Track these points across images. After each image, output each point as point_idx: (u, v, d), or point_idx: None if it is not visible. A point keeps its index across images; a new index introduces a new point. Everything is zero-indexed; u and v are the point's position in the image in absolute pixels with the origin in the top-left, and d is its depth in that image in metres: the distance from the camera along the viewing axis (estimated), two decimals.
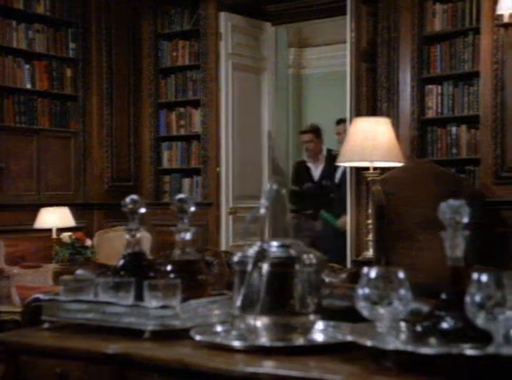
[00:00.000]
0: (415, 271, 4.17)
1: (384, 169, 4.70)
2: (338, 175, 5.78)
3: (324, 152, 6.15)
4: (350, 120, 5.05)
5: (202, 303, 1.54)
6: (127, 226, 1.72)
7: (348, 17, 5.12)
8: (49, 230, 5.23)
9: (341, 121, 5.84)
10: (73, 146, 5.88)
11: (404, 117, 5.10)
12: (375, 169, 4.72)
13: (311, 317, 1.44)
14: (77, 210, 5.64)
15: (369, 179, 4.60)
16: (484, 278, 1.21)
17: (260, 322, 1.38)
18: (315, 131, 6.08)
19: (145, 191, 6.19)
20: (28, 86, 5.56)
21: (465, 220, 1.37)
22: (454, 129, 4.99)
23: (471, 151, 4.87)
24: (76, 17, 5.85)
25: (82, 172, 5.91)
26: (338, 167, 5.55)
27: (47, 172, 5.66)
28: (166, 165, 6.28)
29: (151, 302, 1.46)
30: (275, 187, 1.48)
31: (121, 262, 1.63)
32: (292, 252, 1.43)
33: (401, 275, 1.35)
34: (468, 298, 1.23)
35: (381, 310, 1.31)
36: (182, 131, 6.20)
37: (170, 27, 6.20)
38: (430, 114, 5.08)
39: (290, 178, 6.49)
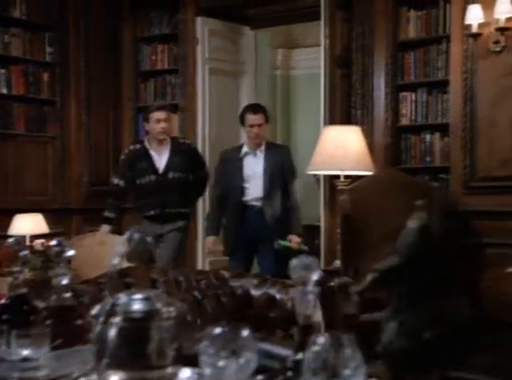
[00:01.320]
0: None
1: (355, 177, 4.67)
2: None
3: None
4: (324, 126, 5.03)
5: (70, 352, 1.52)
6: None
7: (322, 22, 5.08)
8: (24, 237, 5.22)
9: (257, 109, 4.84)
10: (50, 151, 5.86)
11: (379, 124, 5.06)
12: (346, 177, 4.70)
13: (170, 369, 1.41)
14: (54, 215, 5.63)
15: (339, 188, 4.58)
16: (321, 341, 1.18)
17: (115, 377, 1.36)
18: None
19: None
20: (4, 91, 5.54)
21: (315, 277, 1.33)
22: (428, 137, 4.95)
23: (445, 159, 4.83)
24: (53, 21, 5.82)
25: (59, 177, 5.89)
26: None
27: (24, 177, 5.65)
28: None
29: (18, 352, 1.45)
30: (136, 235, 1.44)
31: (2, 306, 1.61)
32: (151, 305, 1.40)
33: (245, 333, 1.27)
34: (304, 363, 1.19)
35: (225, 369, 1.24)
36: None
37: (150, 30, 6.16)
38: (404, 121, 5.04)
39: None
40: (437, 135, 4.88)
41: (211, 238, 4.93)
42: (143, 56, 6.22)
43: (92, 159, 6.05)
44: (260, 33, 6.23)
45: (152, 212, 4.82)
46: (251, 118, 4.74)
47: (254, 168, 4.74)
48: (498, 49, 4.28)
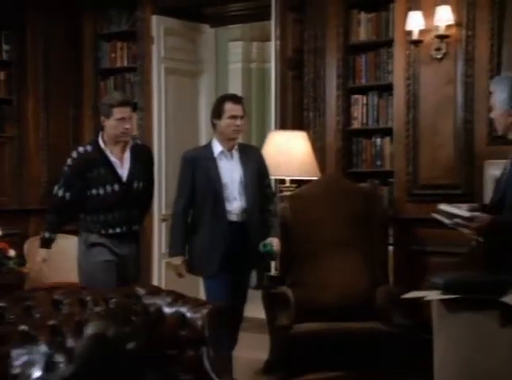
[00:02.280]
0: (324, 292, 4.16)
1: (301, 182, 4.64)
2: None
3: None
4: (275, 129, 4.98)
5: None
6: None
7: (272, 23, 5.02)
8: None
9: None
10: (8, 151, 5.82)
11: (331, 127, 5.01)
12: (293, 182, 4.66)
13: None
14: (12, 216, 5.62)
15: (282, 194, 4.54)
16: None
17: None
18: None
19: None
20: None
21: None
22: (379, 140, 4.90)
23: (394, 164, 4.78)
24: (10, 19, 5.75)
25: (17, 177, 5.86)
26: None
27: None
28: None
29: None
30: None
31: None
32: None
33: None
34: None
35: None
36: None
37: (109, 27, 6.11)
38: (356, 124, 4.98)
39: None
40: (387, 139, 4.83)
41: (180, 258, 3.88)
42: (103, 54, 6.17)
43: (51, 159, 6.00)
44: (220, 31, 6.15)
45: (118, 230, 3.89)
46: (233, 108, 3.84)
47: (232, 173, 3.85)
48: (439, 56, 4.21)
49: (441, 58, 4.21)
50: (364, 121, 4.95)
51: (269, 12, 5.17)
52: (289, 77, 5.07)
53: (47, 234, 4.01)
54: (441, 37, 4.14)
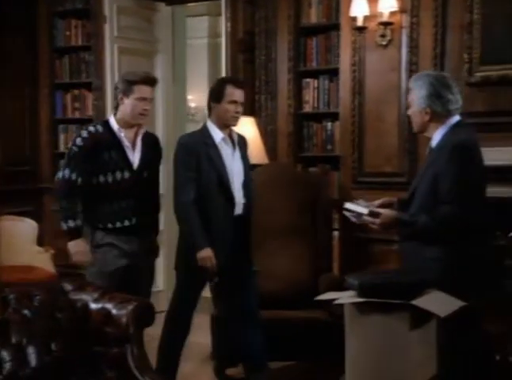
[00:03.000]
0: (268, 279, 4.16)
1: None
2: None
3: None
4: None
5: None
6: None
7: (222, 4, 4.93)
8: None
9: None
10: None
11: (282, 111, 4.97)
12: None
13: None
14: None
15: None
16: None
17: None
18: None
19: (42, 175, 6.11)
20: None
21: None
22: (329, 125, 4.87)
23: None
24: None
25: None
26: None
27: None
28: (62, 148, 6.17)
29: None
30: None
31: None
32: None
33: None
34: None
35: None
36: (77, 114, 6.07)
37: (64, 5, 5.99)
38: (307, 108, 4.95)
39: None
40: (337, 124, 4.80)
41: (208, 250, 3.49)
42: (58, 32, 6.07)
43: (6, 137, 5.93)
44: (177, 8, 6.04)
45: (126, 223, 3.51)
46: (235, 93, 3.56)
47: (233, 162, 3.60)
48: (384, 43, 4.17)
49: (386, 45, 4.17)
50: (316, 105, 4.92)
51: None
52: (240, 59, 5.00)
53: (71, 223, 3.45)
54: (386, 24, 4.09)
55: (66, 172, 3.46)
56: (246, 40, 5.00)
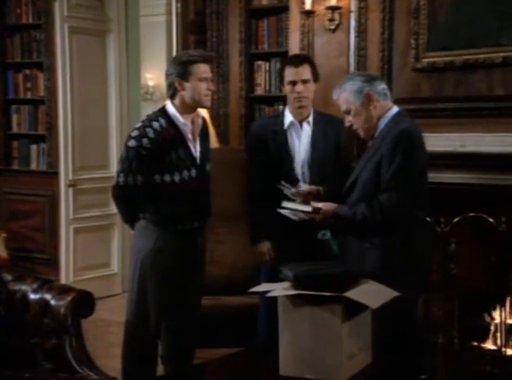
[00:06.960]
0: (213, 265, 4.16)
1: None
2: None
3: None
4: None
5: None
6: None
7: None
8: None
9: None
10: None
11: (234, 94, 4.93)
12: None
13: None
14: None
15: None
16: None
17: None
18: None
19: None
20: None
21: None
22: (281, 108, 4.83)
23: None
24: None
25: None
26: None
27: None
28: (15, 129, 6.08)
29: None
30: None
31: None
32: None
33: None
34: None
35: None
36: (29, 95, 5.97)
37: None
38: (259, 91, 4.92)
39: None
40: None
41: (266, 244, 3.50)
42: (9, 9, 5.93)
43: None
44: None
45: (196, 224, 3.17)
46: (290, 72, 3.36)
47: (299, 150, 3.42)
48: (332, 27, 4.13)
49: (335, 30, 4.14)
50: (267, 88, 4.89)
51: None
52: (191, 41, 4.94)
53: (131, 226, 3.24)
54: (334, 8, 4.06)
55: (129, 177, 3.05)
56: (197, 21, 4.93)
